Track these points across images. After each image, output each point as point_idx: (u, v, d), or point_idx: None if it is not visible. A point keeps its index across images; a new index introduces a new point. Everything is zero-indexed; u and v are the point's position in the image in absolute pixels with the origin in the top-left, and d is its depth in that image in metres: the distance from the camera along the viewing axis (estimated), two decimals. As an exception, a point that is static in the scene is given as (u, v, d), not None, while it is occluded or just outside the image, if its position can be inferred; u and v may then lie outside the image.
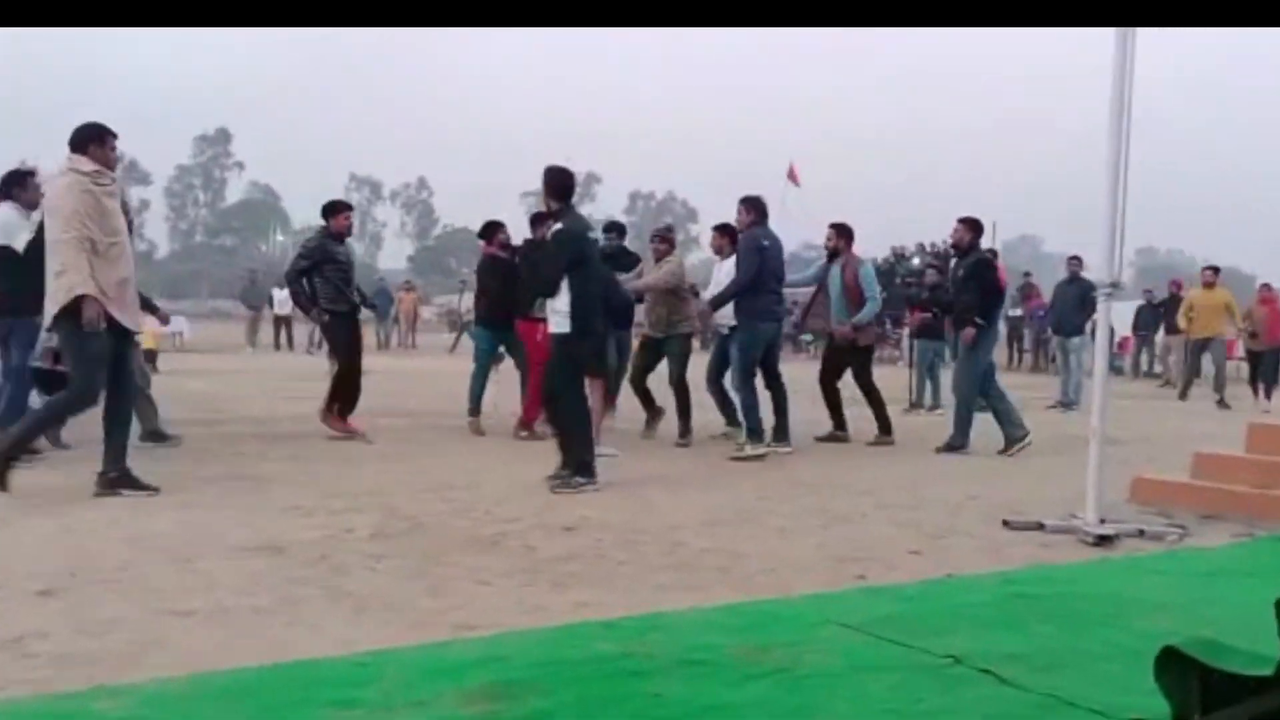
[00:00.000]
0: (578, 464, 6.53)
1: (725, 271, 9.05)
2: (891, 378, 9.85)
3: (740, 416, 8.47)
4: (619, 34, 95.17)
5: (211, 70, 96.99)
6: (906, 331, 14.19)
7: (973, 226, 9.15)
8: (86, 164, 5.89)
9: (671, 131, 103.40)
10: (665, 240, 9.72)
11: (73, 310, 5.77)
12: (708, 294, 9.18)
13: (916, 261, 19.82)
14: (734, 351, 8.46)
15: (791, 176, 28.94)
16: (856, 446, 9.15)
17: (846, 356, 9.65)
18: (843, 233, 9.66)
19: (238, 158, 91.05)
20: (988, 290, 9.02)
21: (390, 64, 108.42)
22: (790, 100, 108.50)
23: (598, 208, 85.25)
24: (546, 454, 6.96)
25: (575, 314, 6.55)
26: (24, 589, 3.97)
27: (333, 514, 5.57)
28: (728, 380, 8.83)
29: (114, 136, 6.09)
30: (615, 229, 10.34)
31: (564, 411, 6.77)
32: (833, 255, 9.69)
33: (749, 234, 8.45)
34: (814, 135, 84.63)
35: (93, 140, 5.99)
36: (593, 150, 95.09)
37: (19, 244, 7.11)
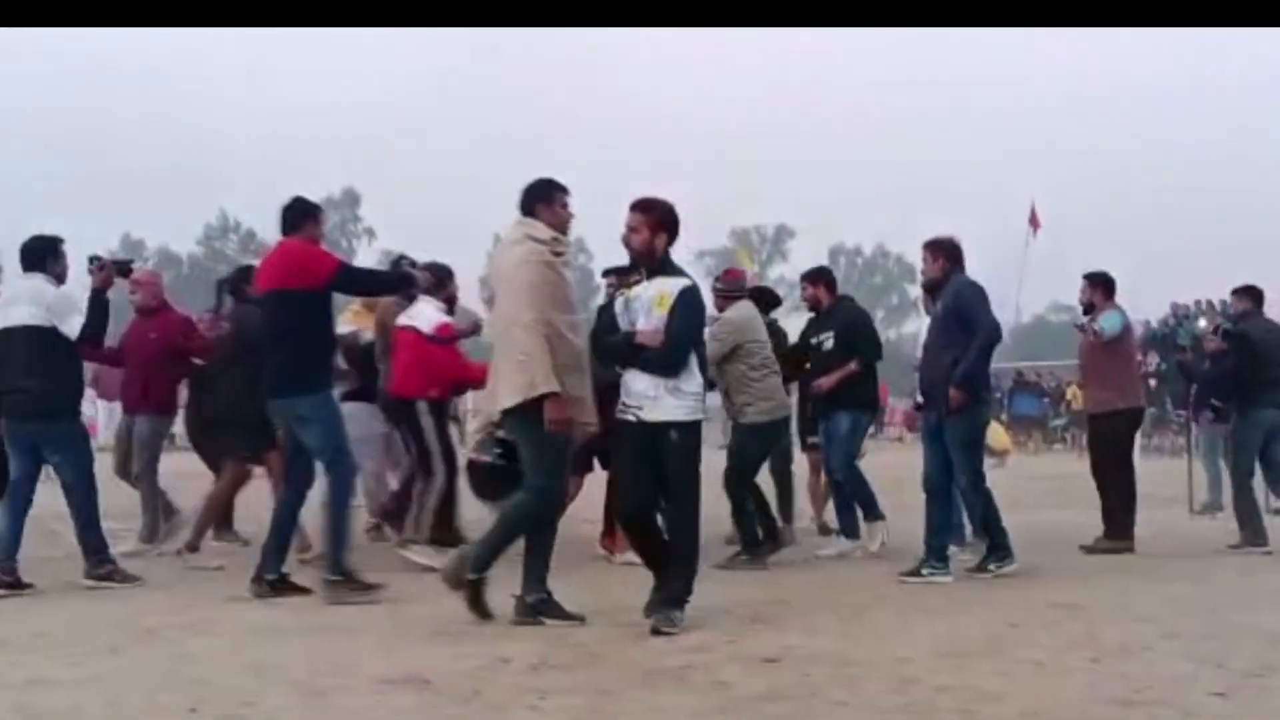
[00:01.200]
0: (683, 593, 6.09)
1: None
2: (1171, 471, 9.44)
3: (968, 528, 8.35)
4: (811, 44, 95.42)
5: (335, 122, 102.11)
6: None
7: None
8: (542, 230, 6.20)
9: (883, 174, 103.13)
10: (725, 292, 8.65)
11: (533, 405, 6.01)
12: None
13: (1203, 323, 19.07)
14: (952, 444, 7.89)
15: (1033, 221, 28.43)
16: (1139, 564, 8.79)
17: (1106, 430, 9.39)
18: (1096, 283, 9.46)
19: (368, 223, 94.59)
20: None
21: (537, 105, 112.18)
22: (1029, 129, 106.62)
23: (792, 267, 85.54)
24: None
25: (702, 395, 6.32)
26: (140, 726, 4.19)
27: (485, 640, 5.69)
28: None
29: (565, 193, 6.38)
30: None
31: (692, 520, 6.22)
32: (1088, 311, 9.58)
33: (964, 280, 7.99)
34: (1061, 173, 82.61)
35: (540, 199, 6.30)
36: (783, 199, 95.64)
37: (71, 328, 7.34)
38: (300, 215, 7.12)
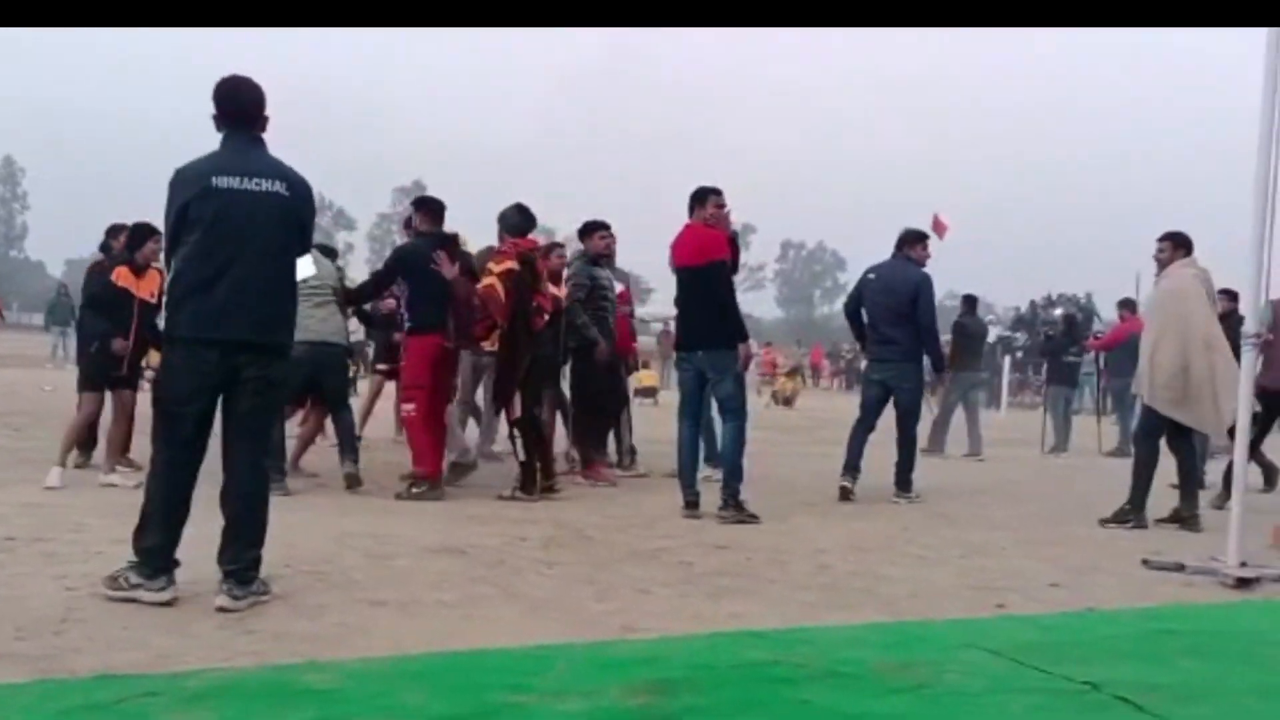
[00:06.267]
0: None
1: None
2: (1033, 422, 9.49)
3: None
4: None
5: (407, 129, 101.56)
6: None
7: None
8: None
9: (831, 182, 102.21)
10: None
11: None
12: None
13: (1059, 313, 19.31)
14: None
15: (937, 228, 28.30)
16: (1002, 487, 8.88)
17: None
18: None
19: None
20: None
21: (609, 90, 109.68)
22: (934, 163, 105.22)
23: (752, 256, 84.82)
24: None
25: None
26: (248, 575, 4.24)
27: (509, 524, 5.76)
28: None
29: None
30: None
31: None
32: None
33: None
34: (960, 198, 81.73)
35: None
36: (748, 202, 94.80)
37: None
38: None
